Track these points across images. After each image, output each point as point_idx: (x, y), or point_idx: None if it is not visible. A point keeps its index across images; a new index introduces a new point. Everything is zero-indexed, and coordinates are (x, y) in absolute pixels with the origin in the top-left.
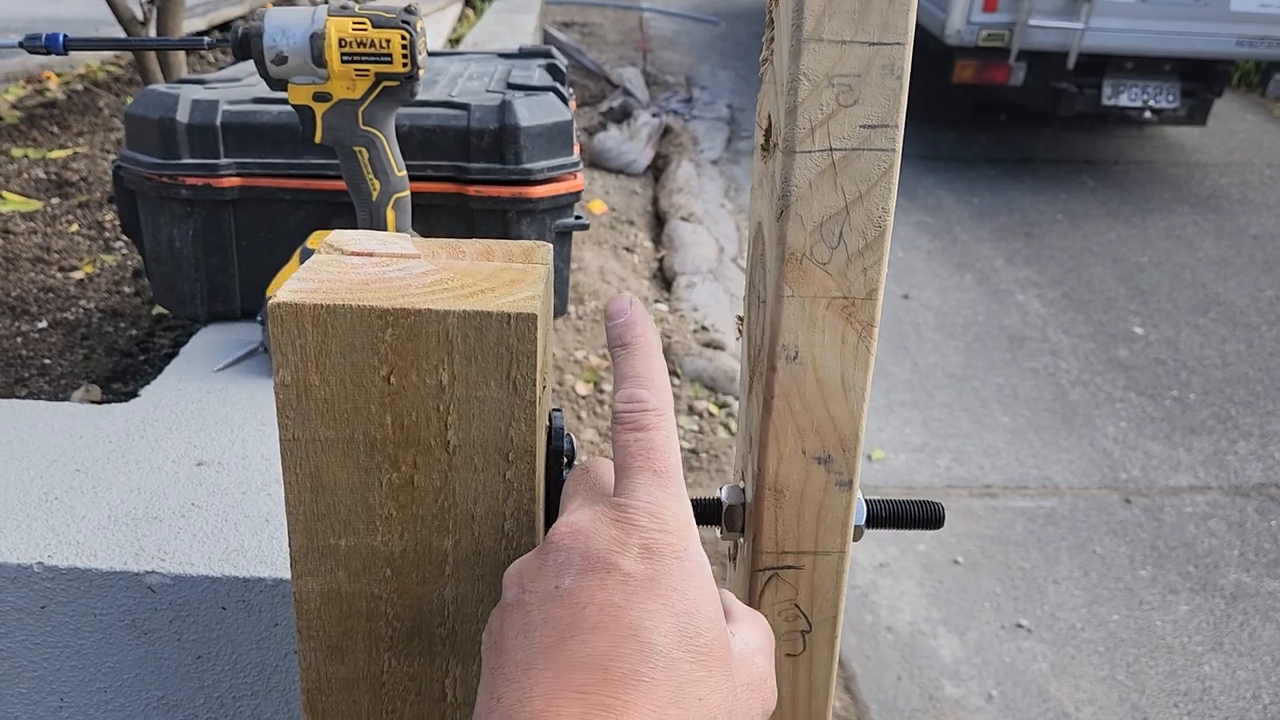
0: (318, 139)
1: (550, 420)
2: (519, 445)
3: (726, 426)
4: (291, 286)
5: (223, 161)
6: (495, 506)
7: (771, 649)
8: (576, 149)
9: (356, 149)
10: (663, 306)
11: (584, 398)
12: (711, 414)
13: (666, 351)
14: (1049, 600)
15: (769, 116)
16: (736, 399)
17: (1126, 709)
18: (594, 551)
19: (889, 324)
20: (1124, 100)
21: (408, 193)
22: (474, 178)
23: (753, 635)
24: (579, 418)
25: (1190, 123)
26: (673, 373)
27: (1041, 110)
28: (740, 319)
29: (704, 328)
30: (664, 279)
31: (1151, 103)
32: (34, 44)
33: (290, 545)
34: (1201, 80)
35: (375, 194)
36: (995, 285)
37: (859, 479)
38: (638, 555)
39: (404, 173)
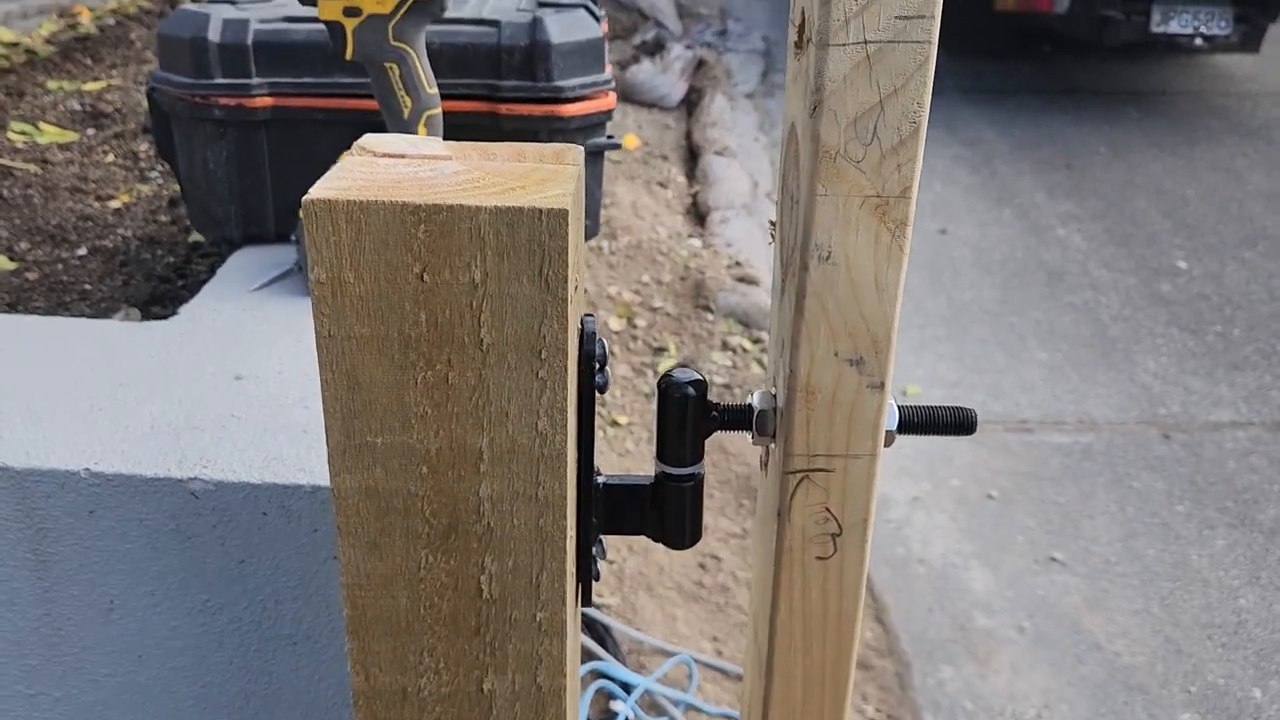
0: (348, 55)
1: (582, 324)
2: (552, 343)
3: (759, 362)
4: (325, 184)
5: (255, 81)
6: (529, 404)
7: None
8: (608, 67)
9: (387, 65)
10: (696, 242)
11: (617, 333)
12: (745, 349)
13: (700, 287)
14: (1084, 535)
15: (803, 11)
16: (769, 333)
17: (1160, 641)
18: None
19: (924, 259)
20: (1174, 27)
21: (439, 110)
22: (505, 96)
23: None
24: (612, 353)
25: (1243, 50)
26: (706, 308)
27: (1086, 39)
28: (773, 224)
29: (738, 263)
30: (697, 214)
31: (1203, 29)
32: None
33: (328, 443)
34: (1256, 5)
35: (407, 111)
36: (1035, 219)
37: (891, 382)
38: None
39: (435, 90)
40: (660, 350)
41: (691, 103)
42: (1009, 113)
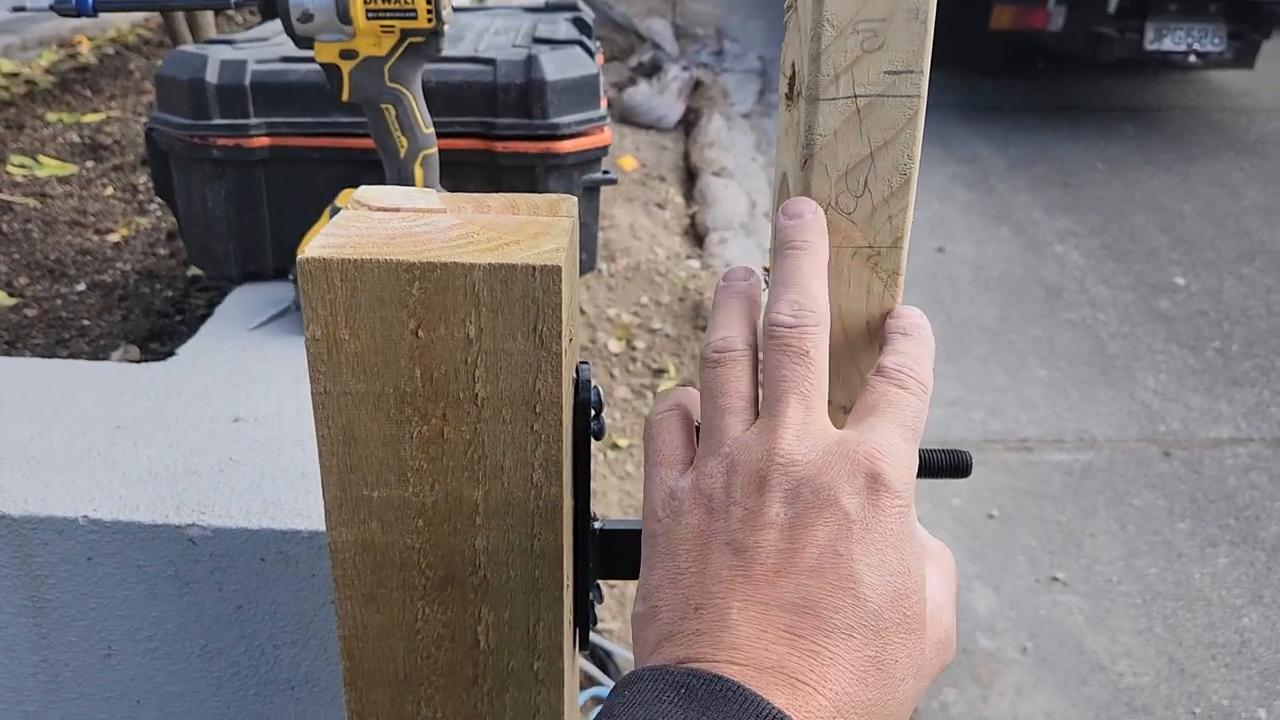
0: (345, 97)
1: (577, 373)
2: (546, 397)
3: None
4: (320, 242)
5: (252, 121)
6: (524, 458)
7: (955, 590)
8: (603, 103)
9: (384, 106)
10: (694, 263)
11: (616, 355)
12: None
13: (699, 308)
14: (1085, 554)
15: (793, 65)
16: None
17: (1164, 661)
18: (822, 484)
19: (923, 278)
20: (1168, 44)
21: (435, 150)
22: (501, 133)
23: (940, 585)
24: (611, 375)
25: (1237, 66)
26: (705, 329)
27: (1082, 57)
28: (767, 270)
29: None
30: (696, 235)
31: (1196, 46)
32: (64, 7)
33: (324, 497)
34: (1249, 21)
35: (403, 151)
36: (1033, 236)
37: None
38: (864, 498)
39: (431, 130)
40: (660, 372)
41: (689, 123)
42: (1005, 130)
